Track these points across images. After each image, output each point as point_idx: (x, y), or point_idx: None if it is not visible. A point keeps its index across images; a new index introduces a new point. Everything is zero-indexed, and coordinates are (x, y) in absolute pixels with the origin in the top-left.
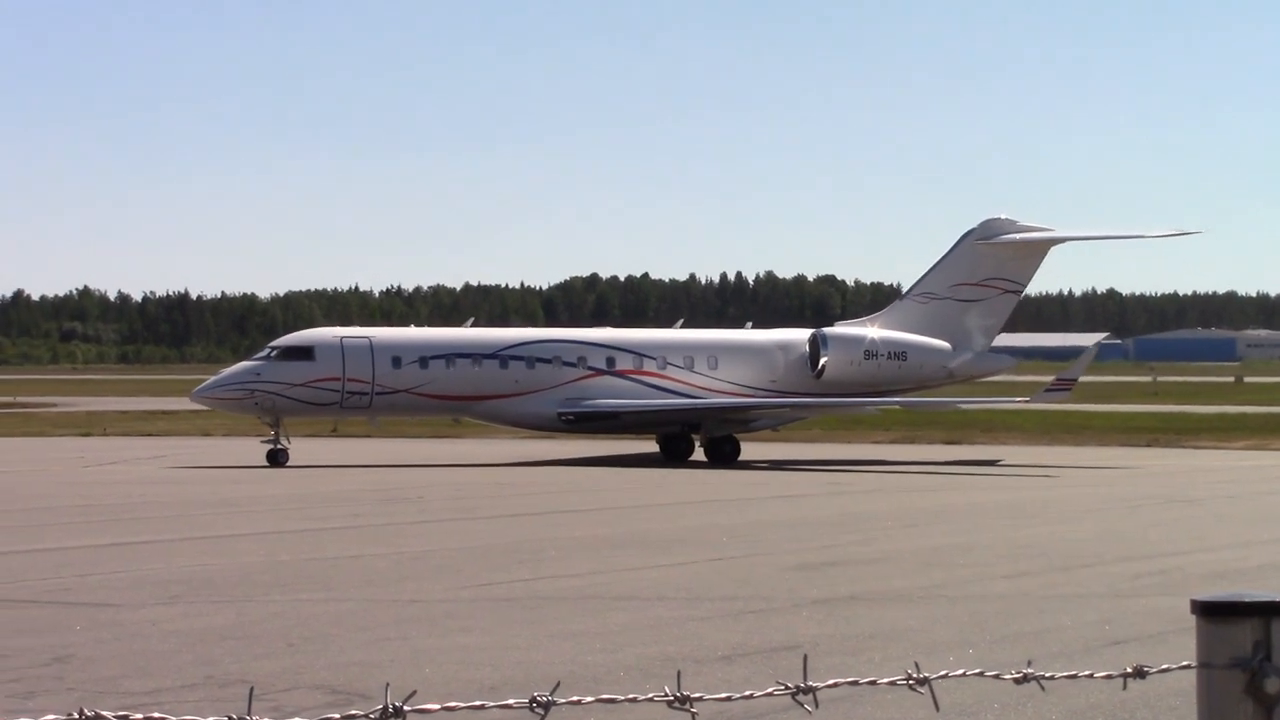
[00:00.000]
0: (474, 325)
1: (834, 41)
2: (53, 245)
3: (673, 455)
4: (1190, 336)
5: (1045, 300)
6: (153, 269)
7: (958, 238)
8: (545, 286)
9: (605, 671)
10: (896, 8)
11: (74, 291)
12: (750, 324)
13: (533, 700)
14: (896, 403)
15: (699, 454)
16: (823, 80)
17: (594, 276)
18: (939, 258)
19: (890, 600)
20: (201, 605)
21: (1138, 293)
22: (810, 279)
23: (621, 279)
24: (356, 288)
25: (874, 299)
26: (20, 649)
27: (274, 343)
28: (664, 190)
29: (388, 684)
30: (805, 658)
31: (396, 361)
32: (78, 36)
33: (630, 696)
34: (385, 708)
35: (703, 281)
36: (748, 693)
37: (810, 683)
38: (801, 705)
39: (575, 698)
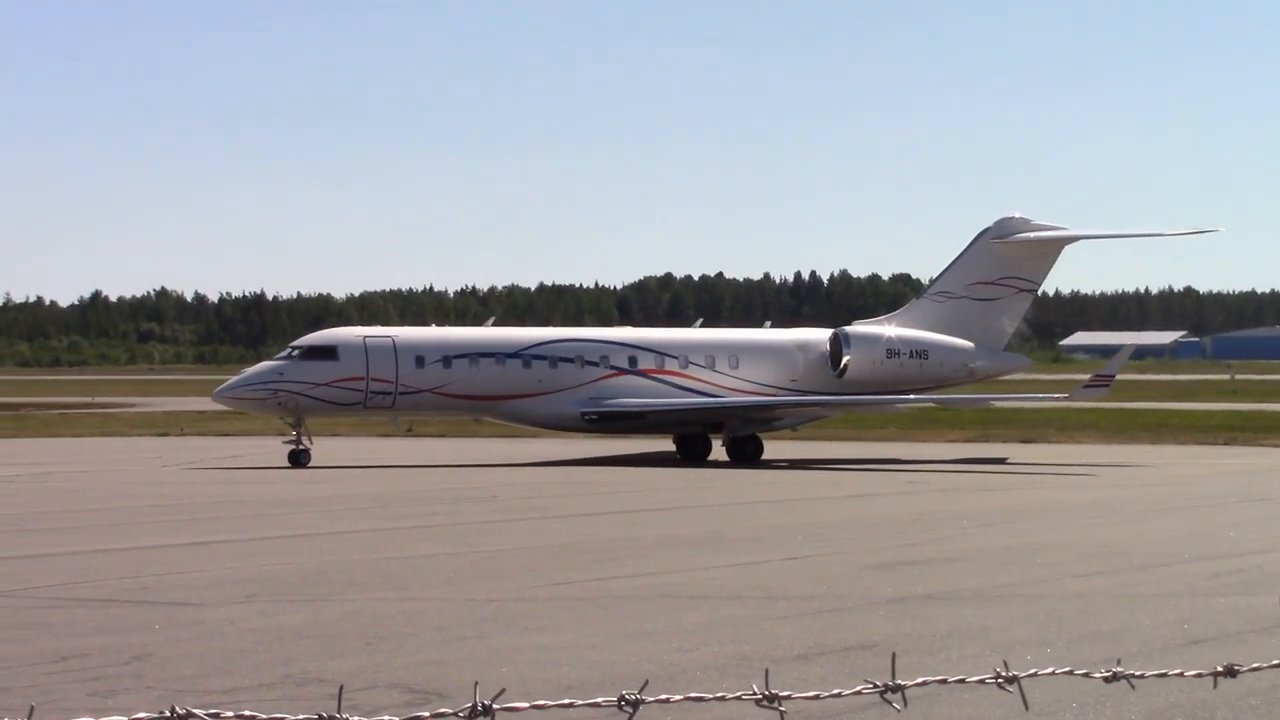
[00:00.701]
0: (495, 324)
1: (901, 38)
2: (130, 247)
3: (690, 455)
4: (1268, 334)
5: (1121, 299)
6: (229, 270)
7: (973, 236)
8: (619, 286)
9: (681, 671)
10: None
11: (151, 292)
12: (769, 323)
13: (621, 699)
14: (928, 400)
15: (715, 454)
16: (896, 78)
17: (668, 276)
18: (955, 256)
19: (967, 599)
20: (279, 604)
21: (1215, 290)
22: (885, 278)
23: (696, 278)
24: (431, 288)
25: None
26: (100, 648)
27: (296, 342)
28: (739, 189)
29: (476, 683)
30: (894, 656)
31: (420, 361)
32: (149, 39)
33: (719, 695)
34: (474, 705)
35: (777, 280)
36: (836, 691)
37: (898, 681)
38: (890, 704)
39: (664, 696)
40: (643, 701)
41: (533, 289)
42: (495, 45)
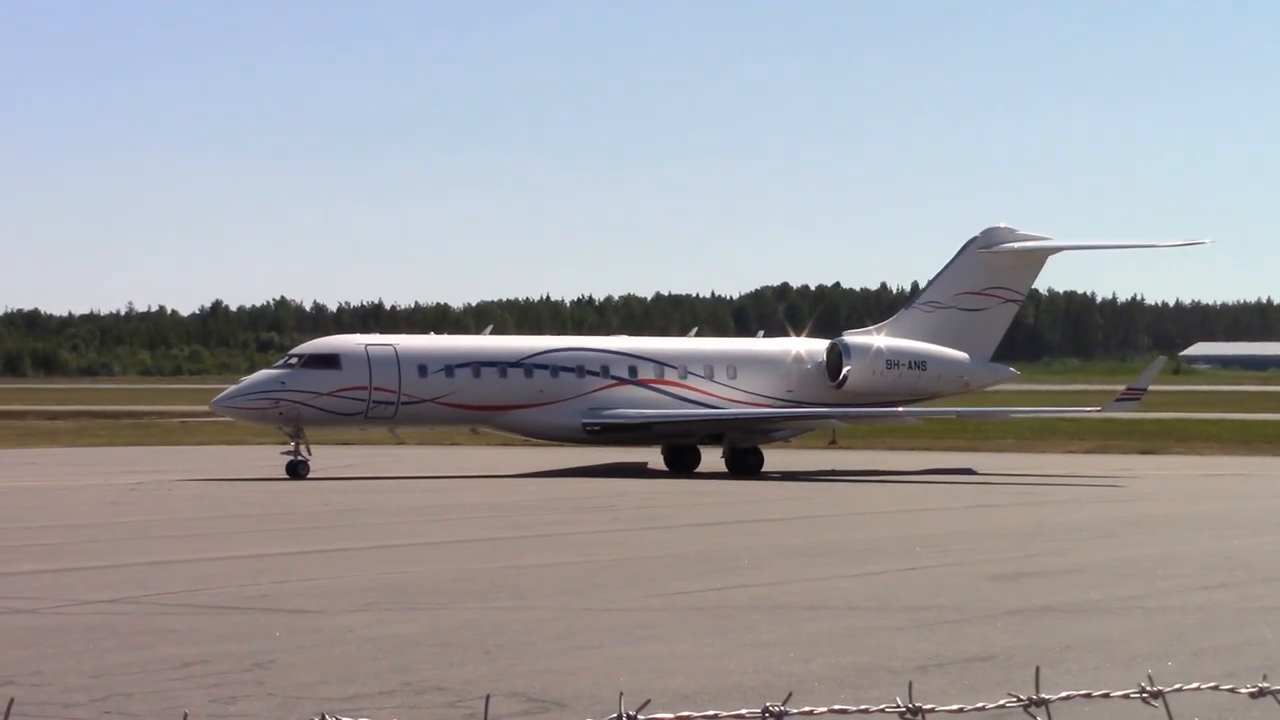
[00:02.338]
0: (492, 333)
1: (1008, 46)
2: (250, 257)
3: (679, 467)
4: None
5: (1243, 309)
6: (348, 279)
7: (960, 246)
8: (735, 296)
9: (799, 681)
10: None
11: (271, 302)
12: (762, 332)
13: (765, 710)
14: (947, 412)
15: (701, 465)
16: (1008, 83)
17: (784, 286)
18: (943, 266)
19: (1087, 611)
20: (397, 612)
21: None
22: None
23: (812, 288)
24: (548, 297)
25: (1067, 309)
26: (222, 654)
27: (296, 350)
28: (855, 198)
29: (621, 694)
30: (1038, 670)
31: (422, 370)
32: (271, 53)
33: (862, 708)
34: (620, 716)
35: (894, 290)
36: (980, 704)
37: (1043, 695)
38: (1033, 718)
39: (807, 708)
40: (787, 713)
41: (649, 298)
42: (610, 57)
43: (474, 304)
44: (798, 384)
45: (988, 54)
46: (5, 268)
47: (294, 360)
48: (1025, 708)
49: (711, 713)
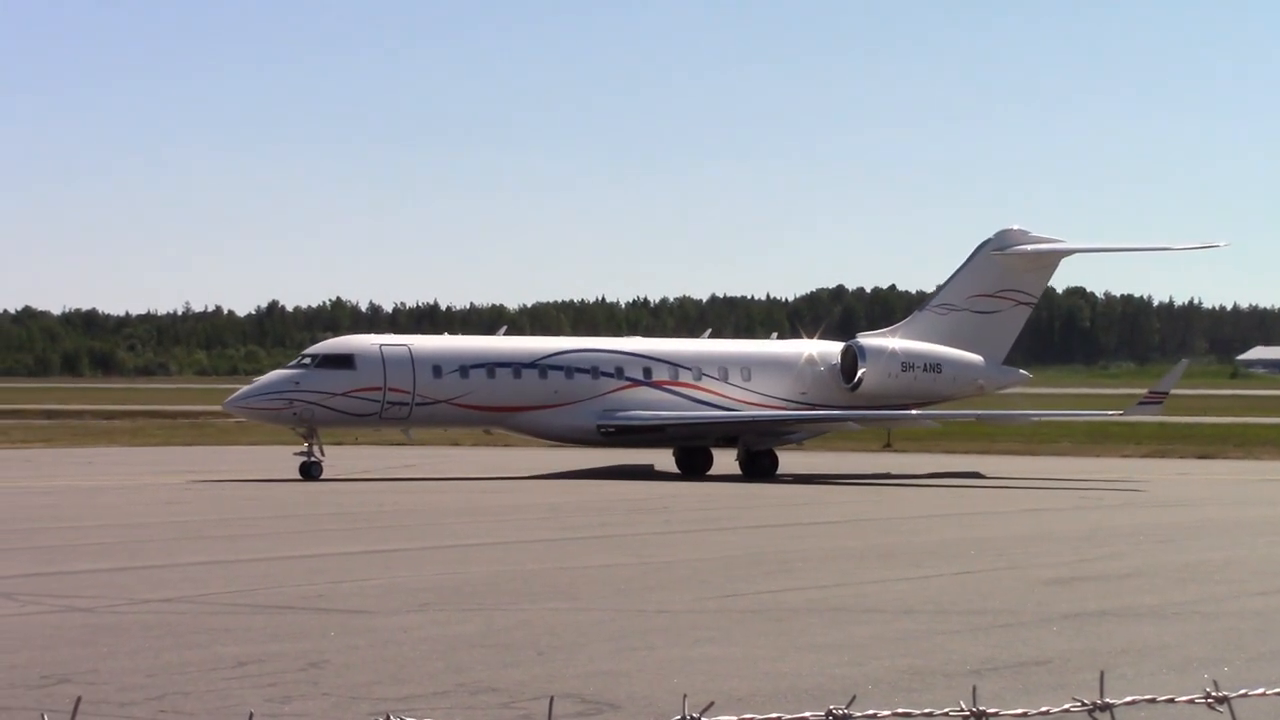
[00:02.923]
0: (506, 334)
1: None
2: (306, 257)
3: (691, 469)
4: None
5: None
6: (403, 280)
7: (973, 248)
8: (791, 298)
9: (854, 685)
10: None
11: (326, 303)
12: (775, 334)
13: (829, 713)
14: (965, 415)
15: (713, 468)
16: (1073, 82)
17: (840, 288)
18: (956, 268)
19: (1142, 616)
20: (451, 613)
21: None
22: (1059, 291)
23: (868, 291)
24: (603, 299)
25: (1124, 312)
26: (276, 654)
27: (309, 350)
28: (911, 200)
29: (685, 695)
30: (1102, 675)
31: (437, 371)
32: (325, 55)
33: (926, 711)
34: (683, 718)
35: None
36: (1044, 708)
37: (1107, 699)
38: None
39: (871, 711)
40: (850, 716)
41: (704, 300)
42: (666, 59)
43: (529, 305)
44: (812, 386)
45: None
46: (64, 268)
47: (308, 360)
48: (1090, 712)
49: (774, 715)
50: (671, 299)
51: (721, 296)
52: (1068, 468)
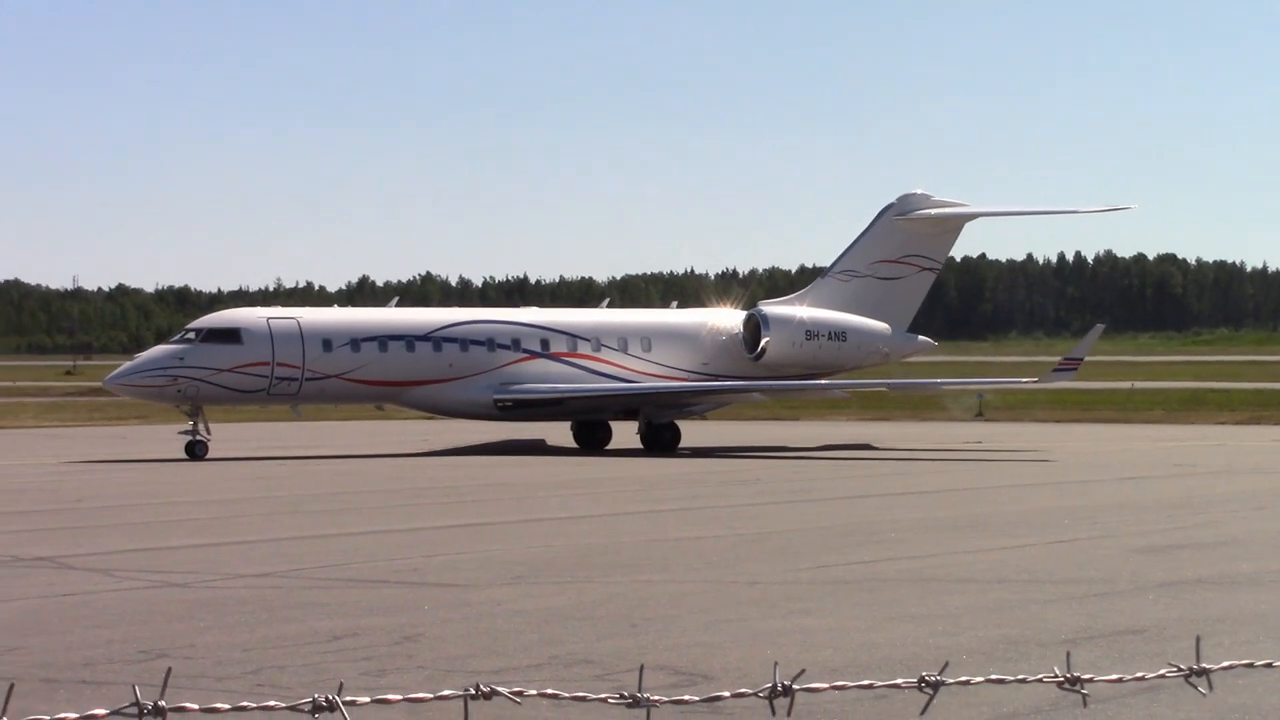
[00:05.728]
0: (398, 305)
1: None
2: (395, 232)
3: (588, 443)
4: None
5: None
6: (493, 253)
7: (876, 213)
8: None
9: (947, 654)
10: None
11: (416, 277)
12: (675, 303)
13: (921, 680)
14: (875, 385)
15: (612, 442)
16: (1158, 52)
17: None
18: (859, 234)
19: (1238, 584)
20: (544, 586)
21: None
22: (1150, 257)
23: (958, 260)
24: (692, 270)
25: (1216, 278)
26: (371, 628)
27: (193, 324)
28: (999, 167)
29: (776, 663)
30: (1198, 640)
31: (327, 345)
32: (420, 34)
33: (1020, 677)
34: (774, 686)
35: (1040, 261)
36: (1139, 674)
37: (1203, 664)
38: (1195, 687)
39: (964, 678)
40: (943, 683)
41: (793, 271)
42: (746, 30)
43: (618, 278)
44: (714, 356)
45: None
46: (156, 245)
47: (192, 335)
48: (1185, 677)
49: (866, 682)
50: (760, 270)
51: (811, 267)
52: (1159, 434)
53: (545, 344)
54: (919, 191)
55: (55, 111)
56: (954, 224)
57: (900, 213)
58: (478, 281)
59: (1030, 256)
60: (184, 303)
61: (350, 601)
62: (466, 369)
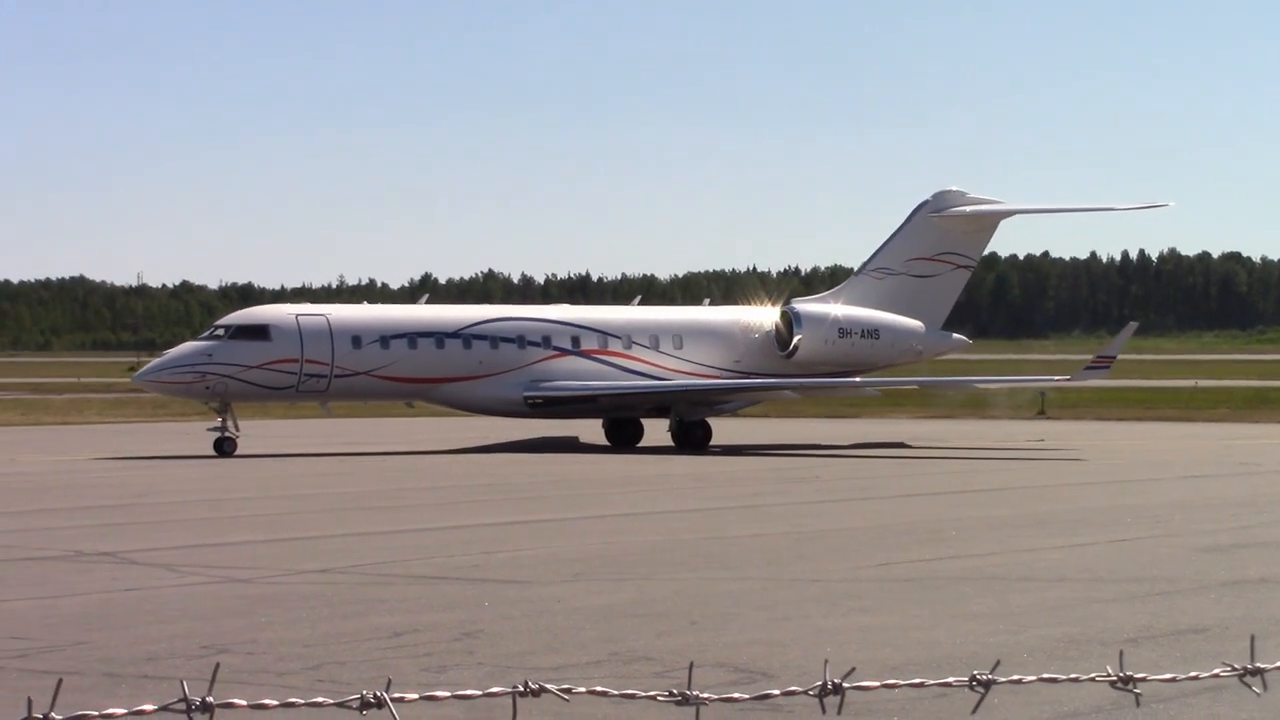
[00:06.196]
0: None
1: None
2: (458, 230)
3: (620, 441)
4: None
5: None
6: (556, 251)
7: (911, 210)
8: None
9: (1008, 653)
10: None
11: (479, 275)
12: (708, 300)
13: (973, 679)
14: (907, 382)
15: (644, 439)
16: (1219, 44)
17: (993, 255)
18: (893, 231)
19: None
20: (604, 582)
21: None
22: (1214, 255)
23: (1020, 258)
24: (754, 269)
25: None
26: (431, 624)
27: (222, 321)
28: (1064, 164)
29: (826, 660)
30: (1253, 639)
31: (356, 341)
32: (473, 32)
33: (1072, 676)
34: (824, 684)
35: (1103, 259)
36: (1193, 673)
37: (1258, 664)
38: (1249, 687)
39: (1016, 677)
40: (995, 682)
41: (855, 268)
42: (816, 28)
43: (680, 275)
44: (746, 354)
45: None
46: (220, 242)
47: (221, 331)
48: (1240, 677)
49: (918, 680)
50: (823, 268)
51: None
52: (1222, 433)
53: (576, 341)
54: (954, 188)
55: (120, 110)
56: (989, 221)
57: (935, 210)
58: (540, 279)
59: (1094, 254)
60: (247, 299)
61: (411, 598)
62: (496, 366)
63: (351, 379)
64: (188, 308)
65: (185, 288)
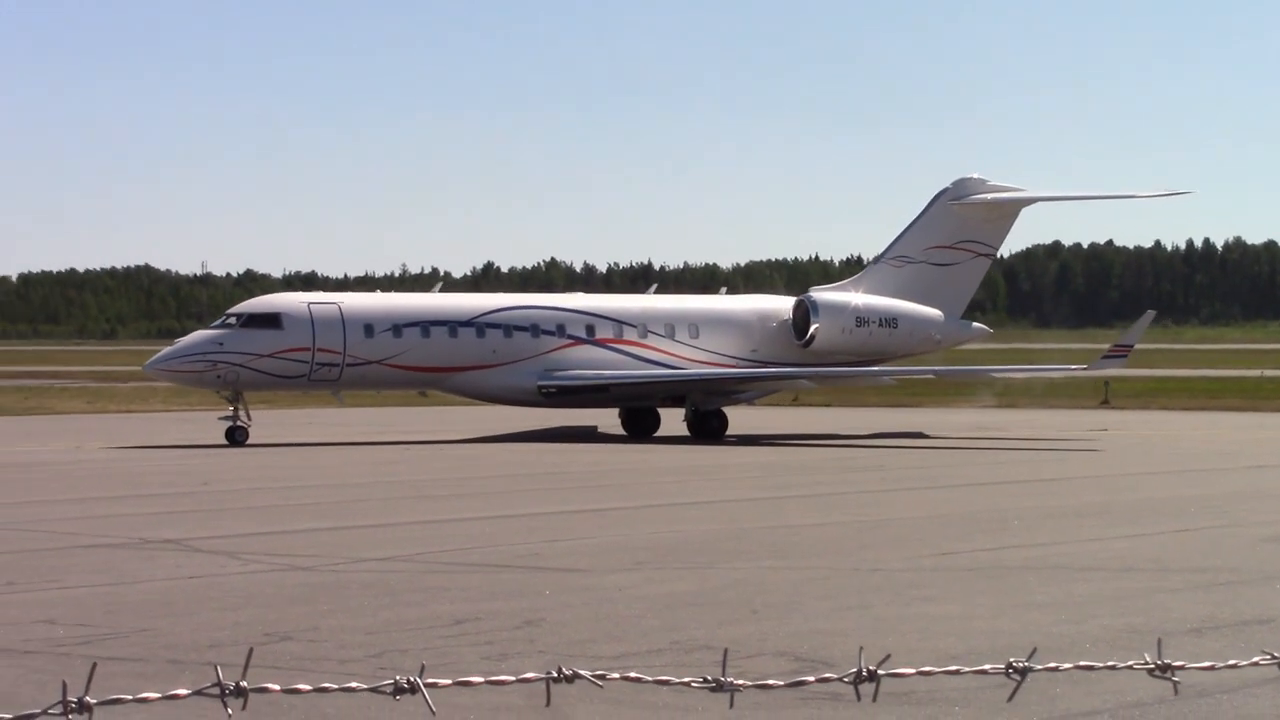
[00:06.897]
0: (442, 290)
1: None
2: (521, 219)
3: (637, 430)
4: None
5: None
6: (619, 240)
7: (930, 198)
8: (1007, 255)
9: (1070, 642)
10: None
11: (541, 263)
12: (724, 289)
13: (1009, 666)
14: (923, 372)
15: (660, 429)
16: (1257, 29)
17: (1056, 244)
18: (912, 219)
19: None
20: (666, 571)
21: None
22: (1249, 244)
23: (1085, 246)
24: (816, 257)
25: None
26: (493, 612)
27: (234, 309)
28: (1128, 153)
29: (860, 648)
30: None
31: (369, 330)
32: (542, 20)
33: (1109, 664)
34: (859, 671)
35: (1168, 248)
36: (1232, 662)
37: None
38: None
39: (1052, 664)
40: (1031, 669)
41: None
42: (872, 19)
43: (743, 264)
44: (762, 343)
45: None
46: (284, 232)
47: (232, 320)
48: (1279, 665)
49: (954, 668)
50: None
51: None
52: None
53: (591, 330)
54: (975, 176)
55: (186, 100)
56: (1010, 209)
57: (955, 197)
58: (602, 268)
59: (1158, 243)
60: (311, 287)
61: (472, 586)
62: (510, 355)
63: (364, 368)
64: (252, 296)
65: (249, 276)
